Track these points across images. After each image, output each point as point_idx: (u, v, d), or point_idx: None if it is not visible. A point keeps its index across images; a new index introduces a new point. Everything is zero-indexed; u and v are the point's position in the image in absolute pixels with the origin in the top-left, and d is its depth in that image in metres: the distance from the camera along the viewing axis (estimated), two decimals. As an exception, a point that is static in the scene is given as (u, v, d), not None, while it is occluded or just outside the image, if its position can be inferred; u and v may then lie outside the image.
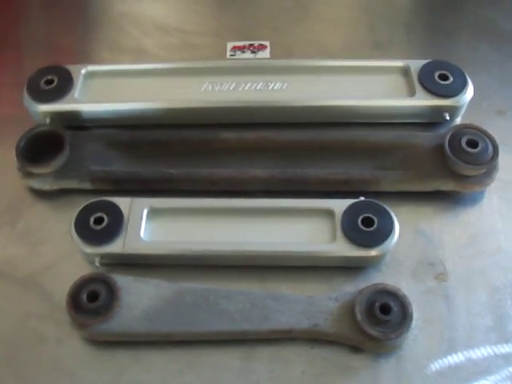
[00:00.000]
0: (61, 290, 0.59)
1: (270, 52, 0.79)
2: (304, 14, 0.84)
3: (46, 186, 0.66)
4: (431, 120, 0.71)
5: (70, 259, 0.63)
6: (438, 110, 0.69)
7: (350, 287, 0.60)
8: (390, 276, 0.61)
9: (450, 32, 0.83)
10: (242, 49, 0.79)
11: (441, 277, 0.61)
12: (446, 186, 0.65)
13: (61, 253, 0.63)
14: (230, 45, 0.80)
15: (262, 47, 0.79)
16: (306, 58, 0.78)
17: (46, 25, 0.86)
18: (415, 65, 0.71)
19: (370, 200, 0.62)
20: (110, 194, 0.64)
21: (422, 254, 0.63)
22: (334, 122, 0.71)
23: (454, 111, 0.70)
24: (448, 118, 0.69)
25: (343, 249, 0.59)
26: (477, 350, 0.57)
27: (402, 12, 0.85)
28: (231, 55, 0.79)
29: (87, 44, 0.82)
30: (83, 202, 0.63)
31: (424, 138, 0.67)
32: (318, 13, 0.85)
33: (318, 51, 0.80)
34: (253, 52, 0.79)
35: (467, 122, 0.71)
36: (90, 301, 0.56)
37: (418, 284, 0.61)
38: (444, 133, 0.66)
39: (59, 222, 0.65)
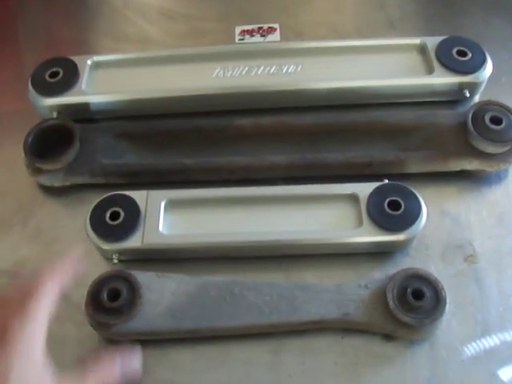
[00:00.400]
0: (78, 290, 0.56)
1: (280, 34, 0.77)
2: (313, -6, 0.81)
3: (57, 182, 0.64)
4: (451, 98, 0.69)
5: (86, 257, 0.60)
6: (457, 87, 0.67)
7: (378, 273, 0.58)
8: (419, 260, 0.59)
9: (462, 7, 0.80)
10: (251, 32, 0.77)
11: (470, 259, 0.59)
12: (471, 165, 0.62)
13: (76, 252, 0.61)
14: (238, 29, 0.77)
15: (271, 30, 0.77)
16: (317, 38, 0.76)
17: (45, 16, 0.83)
18: (432, 42, 0.69)
19: (395, 182, 0.59)
20: (124, 188, 0.62)
21: (450, 236, 0.61)
22: (352, 103, 0.68)
23: (473, 88, 0.67)
24: (468, 94, 0.67)
25: (370, 234, 0.57)
26: (511, 332, 0.55)
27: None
28: (240, 39, 0.76)
29: (90, 35, 0.79)
30: (96, 198, 0.61)
31: (446, 116, 0.65)
32: (328, -9, 0.82)
33: (330, 32, 0.77)
34: (262, 35, 0.76)
35: (487, 98, 0.69)
36: (111, 300, 0.53)
37: (447, 267, 0.59)
38: (466, 110, 0.64)
39: (73, 219, 0.63)
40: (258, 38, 0.76)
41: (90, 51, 0.75)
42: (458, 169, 0.63)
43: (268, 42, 0.76)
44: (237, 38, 0.76)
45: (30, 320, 0.41)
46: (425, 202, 0.59)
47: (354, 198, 0.59)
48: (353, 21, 0.78)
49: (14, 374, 0.39)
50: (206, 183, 0.63)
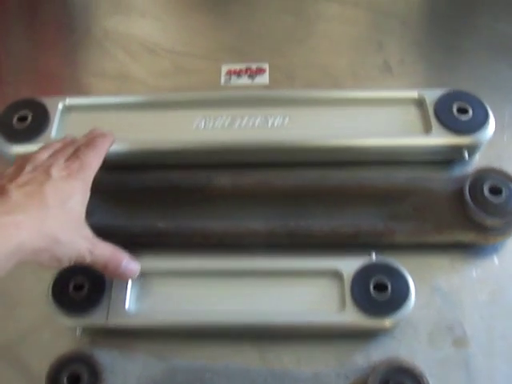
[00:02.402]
0: (39, 361, 0.53)
1: (269, 76, 0.72)
2: (306, 32, 0.76)
3: (22, 240, 0.59)
4: (448, 158, 0.64)
5: (49, 325, 0.56)
6: (456, 148, 0.62)
7: (360, 358, 0.54)
8: (405, 343, 0.55)
9: (466, 51, 0.75)
10: (238, 73, 0.72)
11: (460, 342, 0.55)
12: (466, 237, 0.58)
13: (39, 317, 0.57)
14: (224, 68, 0.72)
15: (260, 71, 0.72)
16: (309, 83, 0.71)
17: (20, 46, 0.77)
18: (431, 96, 0.64)
19: (383, 260, 0.55)
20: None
21: (440, 315, 0.57)
22: (341, 161, 0.64)
23: (473, 149, 0.63)
24: (467, 156, 0.62)
25: (354, 318, 0.53)
26: (499, 425, 0.52)
27: (412, 29, 0.77)
28: (226, 81, 0.71)
29: (67, 68, 0.74)
30: None
31: (440, 181, 0.60)
32: (322, 30, 0.77)
33: (323, 75, 0.72)
34: (250, 77, 0.71)
35: (486, 158, 0.65)
36: (71, 385, 0.50)
37: (435, 351, 0.55)
38: (463, 176, 0.59)
39: (36, 282, 0.59)
40: (245, 80, 0.71)
41: (64, 87, 0.70)
42: (451, 241, 0.59)
43: (255, 85, 0.71)
44: (223, 78, 0.72)
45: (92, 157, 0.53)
46: (414, 276, 0.55)
47: (337, 276, 0.55)
48: (348, 63, 0.73)
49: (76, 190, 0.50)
50: (180, 247, 0.58)
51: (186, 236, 0.58)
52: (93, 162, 0.53)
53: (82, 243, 0.49)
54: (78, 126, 0.64)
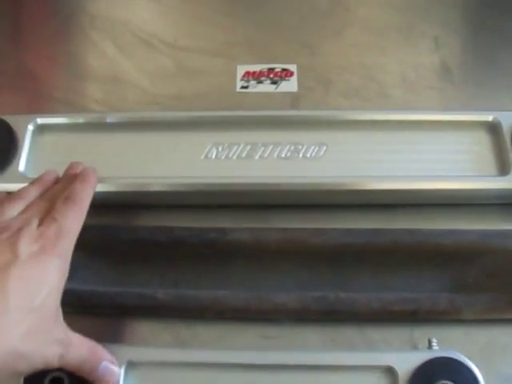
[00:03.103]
0: None
1: (298, 81, 0.57)
2: (344, 21, 0.60)
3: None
4: (527, 201, 0.50)
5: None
6: (540, 191, 0.48)
7: None
8: None
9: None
10: (259, 76, 0.57)
11: None
12: (553, 312, 0.45)
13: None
14: (241, 69, 0.57)
15: (285, 74, 0.57)
16: (348, 89, 0.57)
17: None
18: (509, 119, 0.50)
19: (449, 356, 0.42)
20: (73, 319, 0.45)
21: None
22: (392, 204, 0.50)
23: (561, 192, 0.49)
24: (553, 201, 0.49)
25: None
26: None
27: (476, 19, 0.61)
28: (243, 87, 0.56)
29: (43, 67, 0.59)
30: None
31: (521, 239, 0.47)
32: (363, 19, 0.61)
33: (366, 80, 0.57)
34: (273, 82, 0.56)
35: None
36: None
37: None
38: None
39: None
40: (267, 86, 0.56)
41: (39, 93, 0.55)
42: (533, 317, 0.46)
43: (280, 92, 0.56)
44: (238, 84, 0.57)
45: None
46: (481, 362, 0.42)
47: (390, 373, 0.42)
48: (397, 64, 0.58)
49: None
50: (184, 320, 0.46)
51: (193, 310, 0.45)
52: (72, 226, 0.41)
53: (52, 350, 0.37)
54: (52, 155, 0.51)
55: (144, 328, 0.46)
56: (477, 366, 0.42)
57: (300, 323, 0.47)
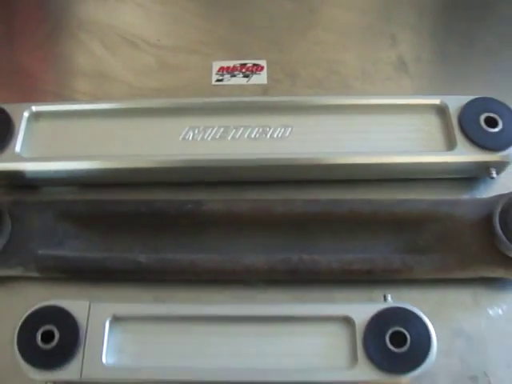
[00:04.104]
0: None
1: (268, 74, 0.63)
2: (309, 21, 0.67)
3: (-18, 273, 0.51)
4: (472, 175, 0.56)
5: (15, 375, 0.49)
6: (482, 166, 0.54)
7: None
8: (423, 396, 0.48)
9: (492, 47, 0.66)
10: (232, 71, 0.63)
11: (485, 395, 0.49)
12: (495, 273, 0.51)
13: (4, 368, 0.49)
14: (216, 65, 0.63)
15: (256, 68, 0.63)
16: (313, 81, 0.63)
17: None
18: (454, 103, 0.56)
19: (401, 306, 0.47)
20: (64, 284, 0.51)
21: (462, 363, 0.50)
22: (351, 179, 0.56)
23: (502, 166, 0.55)
24: (495, 175, 0.54)
25: (366, 375, 0.45)
26: None
27: (430, 19, 0.68)
28: (218, 80, 0.62)
29: (36, 65, 0.64)
30: (32, 294, 0.51)
31: (466, 206, 0.53)
32: (327, 18, 0.68)
33: (329, 73, 0.63)
34: (245, 75, 0.63)
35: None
36: None
37: (457, 407, 0.48)
38: (492, 201, 0.52)
39: (2, 321, 0.51)
40: (239, 79, 0.62)
41: (32, 87, 0.61)
42: (477, 276, 0.51)
43: (251, 84, 0.62)
44: (214, 77, 0.63)
45: None
46: (433, 317, 0.48)
47: (348, 323, 0.47)
48: (358, 59, 0.64)
49: None
50: (164, 284, 0.51)
51: (172, 272, 0.50)
52: None
53: None
54: (46, 138, 0.56)
55: (127, 290, 0.51)
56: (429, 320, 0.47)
57: (269, 285, 0.52)
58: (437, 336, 0.47)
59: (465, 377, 0.49)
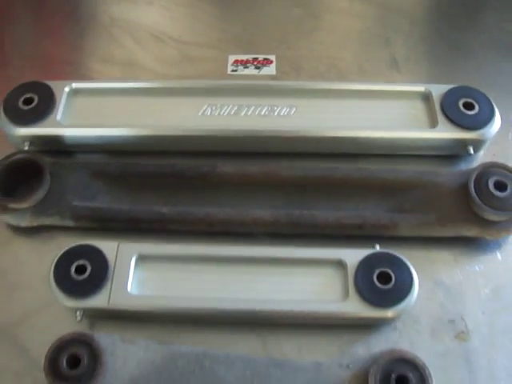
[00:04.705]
0: (39, 344, 0.52)
1: (276, 67, 0.72)
2: (314, 25, 0.76)
3: (24, 222, 0.59)
4: (453, 153, 0.64)
5: (49, 309, 0.56)
6: (461, 143, 0.63)
7: (362, 349, 0.54)
8: (407, 335, 0.55)
9: (472, 48, 0.75)
10: (245, 63, 0.72)
11: (461, 336, 0.55)
12: (470, 231, 0.58)
13: (39, 300, 0.56)
14: (231, 58, 0.72)
15: (267, 62, 0.72)
16: (316, 75, 0.71)
17: (27, 31, 0.77)
18: (437, 90, 0.64)
19: (387, 251, 0.55)
20: (95, 233, 0.58)
21: (442, 309, 0.57)
22: (347, 153, 0.64)
23: (479, 144, 0.63)
24: (472, 151, 0.62)
25: (356, 308, 0.52)
26: (499, 421, 0.51)
27: (420, 25, 0.77)
28: (233, 70, 0.71)
29: (73, 54, 0.74)
30: (65, 241, 0.57)
31: (446, 176, 0.60)
32: (329, 23, 0.77)
33: (329, 67, 0.72)
34: (257, 67, 0.71)
35: (491, 154, 0.64)
36: (71, 367, 0.49)
37: (436, 344, 0.55)
38: (468, 171, 0.59)
39: (38, 263, 0.58)
40: (252, 70, 0.71)
41: (71, 72, 0.70)
42: (455, 235, 0.59)
43: (262, 75, 0.71)
44: (229, 68, 0.71)
45: None
46: (417, 270, 0.55)
47: (341, 266, 0.55)
48: (355, 57, 0.73)
49: None
50: (183, 234, 0.58)
51: (190, 222, 0.58)
52: None
53: None
54: (83, 110, 0.64)
55: (150, 240, 0.58)
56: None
57: (273, 239, 0.59)
58: (419, 285, 0.54)
59: (444, 320, 0.56)
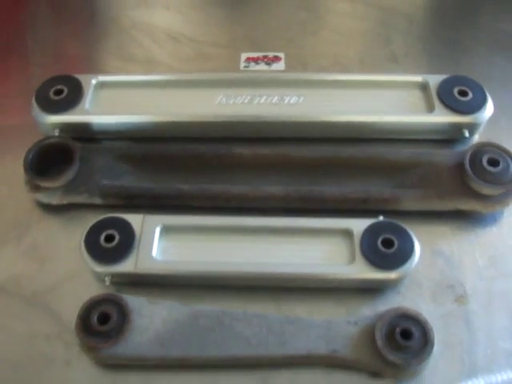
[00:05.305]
0: (70, 309, 0.57)
1: (285, 64, 0.78)
2: (319, 26, 0.83)
3: (55, 200, 0.64)
4: (450, 137, 0.69)
5: (79, 277, 0.61)
6: (457, 127, 0.68)
7: (368, 310, 0.58)
8: (409, 299, 0.59)
9: (467, 46, 0.81)
10: (256, 60, 0.78)
11: (461, 299, 0.60)
12: (466, 205, 0.63)
13: (69, 270, 0.61)
14: (243, 56, 0.78)
15: (276, 59, 0.78)
16: (321, 70, 0.77)
17: (54, 33, 0.84)
18: (434, 80, 0.70)
19: (390, 220, 0.60)
20: (121, 210, 0.62)
21: (442, 275, 0.61)
22: (351, 137, 0.69)
23: (473, 128, 0.68)
24: (467, 135, 0.68)
25: (362, 271, 0.57)
26: (498, 375, 0.55)
27: (418, 25, 0.84)
28: (245, 67, 0.77)
29: (97, 53, 0.81)
30: (93, 218, 0.61)
31: (444, 155, 0.65)
32: (333, 24, 0.83)
33: (333, 63, 0.78)
34: (267, 64, 0.77)
35: (486, 139, 0.69)
36: (101, 323, 0.54)
37: (437, 307, 0.59)
38: (464, 151, 0.64)
39: (68, 238, 0.63)
40: (262, 66, 0.77)
41: (96, 69, 0.76)
42: (453, 208, 0.63)
43: (272, 70, 0.77)
44: (242, 64, 0.77)
45: None
46: (418, 241, 0.59)
47: (348, 234, 0.59)
48: (357, 54, 0.79)
49: None
50: (202, 210, 0.63)
51: (208, 198, 0.63)
52: None
53: None
54: (109, 101, 0.70)
55: (173, 214, 0.63)
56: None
57: (284, 214, 0.64)
58: (420, 254, 0.59)
59: (444, 285, 0.60)
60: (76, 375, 0.55)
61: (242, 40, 0.81)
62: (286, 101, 0.69)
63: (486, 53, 0.80)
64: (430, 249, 0.62)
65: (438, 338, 0.54)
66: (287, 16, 0.83)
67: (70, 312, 0.56)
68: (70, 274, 0.61)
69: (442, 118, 0.67)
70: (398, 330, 0.53)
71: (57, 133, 0.67)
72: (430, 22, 0.85)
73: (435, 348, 0.54)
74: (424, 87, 0.70)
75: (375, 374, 0.54)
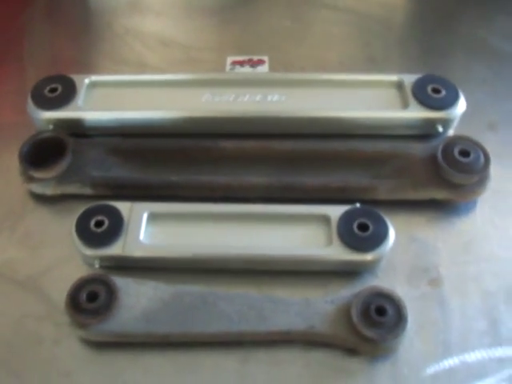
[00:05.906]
0: (60, 291, 0.59)
1: (269, 66, 0.82)
2: (302, 32, 0.87)
3: (48, 190, 0.67)
4: (425, 132, 0.73)
5: (69, 262, 0.63)
6: (430, 122, 0.71)
7: (346, 292, 0.60)
8: (385, 281, 0.62)
9: (444, 51, 0.85)
10: (242, 63, 0.82)
11: (435, 282, 0.62)
12: (440, 194, 0.66)
13: (60, 256, 0.64)
14: (229, 59, 0.82)
15: (260, 62, 0.82)
16: (303, 71, 0.81)
17: (49, 37, 0.89)
18: (409, 79, 0.74)
19: (365, 207, 0.63)
20: (111, 200, 0.65)
21: (417, 259, 0.64)
22: (331, 133, 0.72)
23: (446, 123, 0.71)
24: (441, 130, 0.71)
25: (339, 252, 0.60)
26: (471, 354, 0.57)
27: (397, 30, 0.88)
28: (231, 69, 0.81)
29: (91, 56, 0.85)
30: (84, 208, 0.64)
31: (418, 148, 0.69)
32: (316, 30, 0.88)
33: (315, 66, 0.82)
34: (252, 66, 0.81)
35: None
36: (90, 301, 0.56)
37: (412, 289, 0.61)
38: (437, 144, 0.68)
39: (60, 226, 0.66)
40: (247, 69, 0.81)
41: (89, 71, 0.79)
42: (427, 198, 0.66)
43: (257, 72, 0.80)
44: (228, 67, 0.81)
45: None
46: (394, 229, 0.62)
47: (325, 219, 0.62)
48: (337, 57, 0.83)
49: None
50: (190, 199, 0.66)
51: (194, 188, 0.66)
52: None
53: None
54: (100, 99, 0.74)
55: (158, 204, 0.66)
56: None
57: (267, 203, 0.67)
58: (396, 240, 0.62)
59: (418, 269, 0.63)
60: (64, 354, 0.57)
61: (229, 45, 0.85)
62: (269, 99, 0.73)
63: (462, 57, 0.85)
64: (405, 235, 0.65)
65: (412, 318, 0.57)
66: (273, 23, 0.88)
67: (61, 294, 0.58)
68: (61, 258, 0.64)
69: (416, 113, 0.71)
70: (372, 306, 0.56)
71: (51, 128, 0.71)
72: (409, 28, 0.90)
73: (410, 327, 0.56)
74: (399, 86, 0.74)
75: (352, 351, 0.57)
